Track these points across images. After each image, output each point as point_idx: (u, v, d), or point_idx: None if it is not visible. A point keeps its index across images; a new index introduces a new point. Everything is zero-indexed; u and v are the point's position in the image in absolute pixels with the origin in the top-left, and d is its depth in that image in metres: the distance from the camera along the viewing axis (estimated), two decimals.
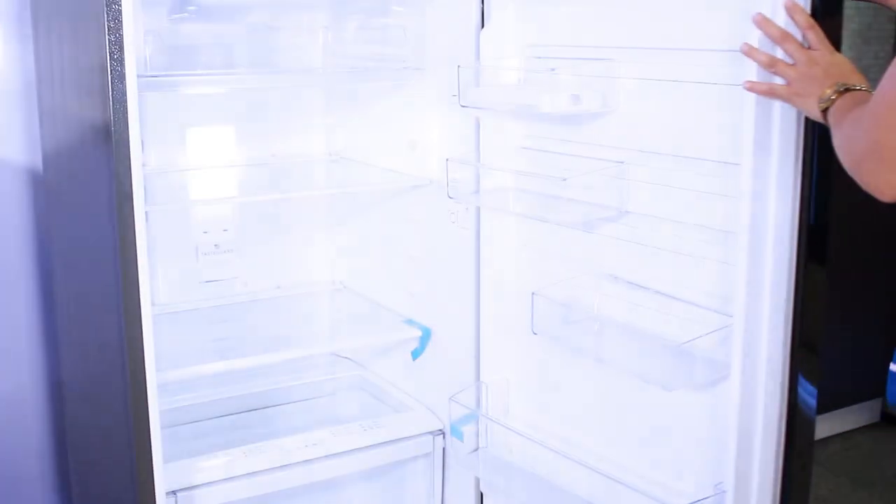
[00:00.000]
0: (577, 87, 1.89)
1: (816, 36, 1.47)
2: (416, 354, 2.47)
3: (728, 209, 1.66)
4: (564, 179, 1.87)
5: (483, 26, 2.12)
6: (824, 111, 1.41)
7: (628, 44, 1.86)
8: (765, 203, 1.57)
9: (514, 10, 2.09)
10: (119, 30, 1.75)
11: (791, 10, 1.48)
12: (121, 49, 1.76)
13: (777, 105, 1.54)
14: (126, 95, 1.78)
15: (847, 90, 1.40)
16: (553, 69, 1.87)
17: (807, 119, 1.54)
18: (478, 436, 2.25)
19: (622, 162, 1.88)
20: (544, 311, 1.97)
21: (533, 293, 1.95)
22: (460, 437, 2.23)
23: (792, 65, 1.48)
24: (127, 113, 1.78)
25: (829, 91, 1.41)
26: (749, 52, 1.51)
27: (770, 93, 1.51)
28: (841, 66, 1.45)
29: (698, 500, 1.70)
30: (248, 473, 2.15)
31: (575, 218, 1.91)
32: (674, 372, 1.69)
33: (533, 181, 2.06)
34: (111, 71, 1.76)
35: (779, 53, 1.50)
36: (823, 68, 1.44)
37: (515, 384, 2.24)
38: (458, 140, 2.22)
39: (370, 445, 2.30)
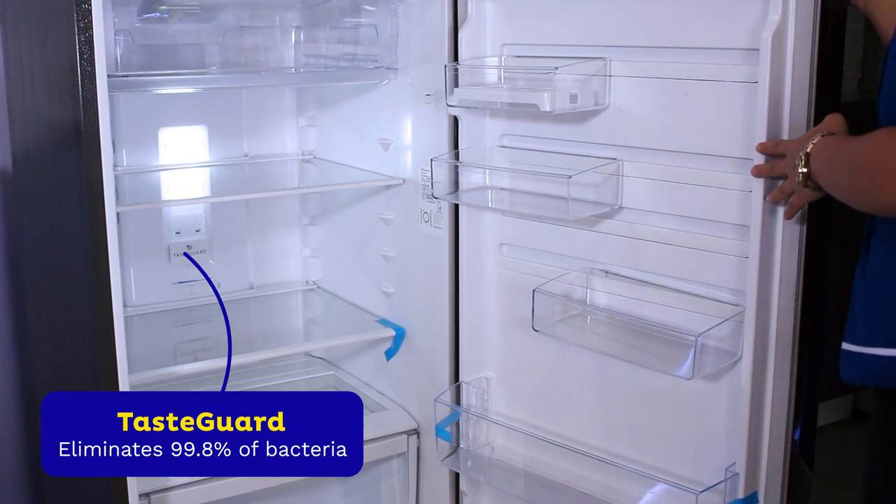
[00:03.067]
0: (571, 85, 1.91)
1: (784, 142, 1.58)
2: (390, 354, 2.46)
3: (733, 203, 1.71)
4: (570, 177, 1.88)
5: (456, 25, 2.12)
6: (806, 164, 1.47)
7: (615, 42, 1.88)
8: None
9: (492, 8, 2.10)
10: (89, 30, 1.75)
11: (762, 149, 1.60)
12: (91, 49, 1.75)
13: (787, 102, 1.59)
14: (96, 95, 1.77)
15: (822, 136, 1.47)
16: (557, 68, 1.88)
17: (816, 115, 1.60)
18: (460, 435, 2.25)
19: (615, 159, 1.90)
20: (545, 306, 1.98)
21: (534, 290, 1.96)
22: (447, 437, 2.23)
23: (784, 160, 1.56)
24: (97, 113, 1.77)
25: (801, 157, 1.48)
26: (759, 172, 1.61)
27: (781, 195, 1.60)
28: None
29: (713, 485, 1.74)
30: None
31: (577, 215, 1.92)
32: (690, 362, 1.74)
33: (524, 180, 2.07)
34: (81, 71, 1.75)
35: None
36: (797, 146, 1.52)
37: (496, 382, 2.24)
38: (432, 139, 2.22)
39: None
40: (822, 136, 1.47)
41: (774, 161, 1.59)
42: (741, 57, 1.66)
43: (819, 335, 1.71)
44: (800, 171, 1.48)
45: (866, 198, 1.34)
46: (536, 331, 1.97)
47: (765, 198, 1.62)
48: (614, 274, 1.96)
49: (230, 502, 2.17)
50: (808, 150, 1.47)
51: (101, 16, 1.75)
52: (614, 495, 1.96)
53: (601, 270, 1.98)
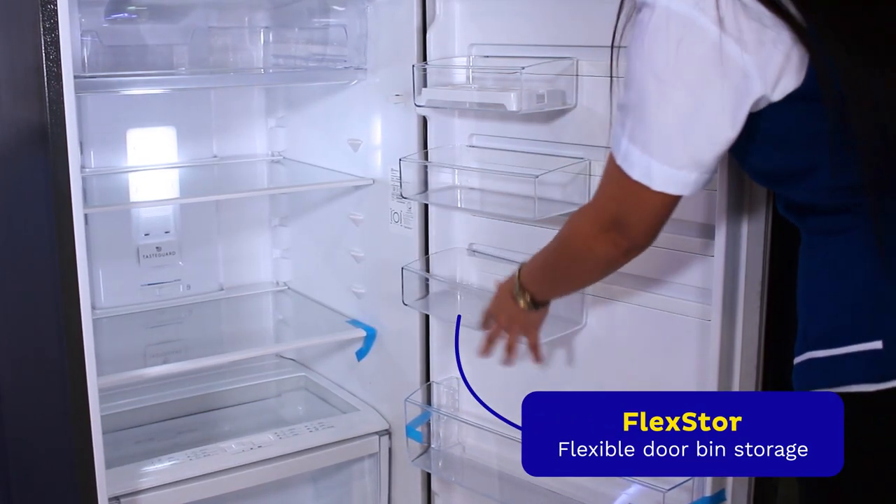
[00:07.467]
0: (538, 85, 1.91)
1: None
2: (360, 355, 2.46)
3: (699, 202, 1.71)
4: (537, 177, 1.89)
5: (425, 25, 2.13)
6: (523, 291, 1.65)
7: (583, 41, 1.88)
8: (740, 197, 1.64)
9: (460, 8, 2.10)
10: (55, 30, 1.73)
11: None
12: (57, 49, 1.74)
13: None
14: (62, 96, 1.75)
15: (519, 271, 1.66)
16: (523, 68, 1.88)
17: None
18: (431, 435, 2.25)
19: (582, 158, 1.90)
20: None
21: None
22: (418, 437, 2.23)
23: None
24: (64, 114, 1.76)
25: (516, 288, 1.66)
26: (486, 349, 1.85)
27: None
28: None
29: (681, 483, 1.75)
30: (193, 478, 2.13)
31: (544, 215, 1.92)
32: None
33: (492, 180, 2.08)
34: (47, 71, 1.74)
35: None
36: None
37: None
38: (402, 139, 2.22)
39: (316, 447, 2.29)
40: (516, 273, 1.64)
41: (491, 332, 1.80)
42: None
43: (785, 333, 1.72)
44: (522, 302, 1.65)
45: (594, 271, 1.52)
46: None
47: (728, 199, 1.62)
48: None
49: None
50: (520, 283, 1.64)
51: (67, 16, 1.73)
52: (584, 494, 1.97)
53: None
